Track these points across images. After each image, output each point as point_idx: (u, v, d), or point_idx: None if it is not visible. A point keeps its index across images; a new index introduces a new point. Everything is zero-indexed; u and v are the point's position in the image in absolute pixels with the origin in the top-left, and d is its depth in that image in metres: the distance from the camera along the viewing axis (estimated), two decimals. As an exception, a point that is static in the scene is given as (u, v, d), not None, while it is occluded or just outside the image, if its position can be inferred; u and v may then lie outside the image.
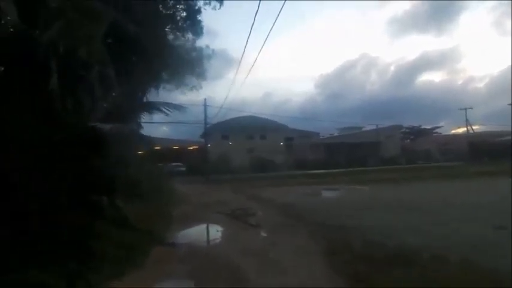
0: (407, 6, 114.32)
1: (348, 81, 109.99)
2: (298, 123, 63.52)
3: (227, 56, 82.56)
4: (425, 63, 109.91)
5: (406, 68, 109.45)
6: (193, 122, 38.58)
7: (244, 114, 55.78)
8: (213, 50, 17.91)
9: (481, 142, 54.62)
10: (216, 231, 9.52)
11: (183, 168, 43.50)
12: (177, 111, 6.89)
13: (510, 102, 55.92)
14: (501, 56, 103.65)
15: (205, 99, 37.52)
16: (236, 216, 11.31)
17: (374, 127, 63.68)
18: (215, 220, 10.95)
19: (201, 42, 17.46)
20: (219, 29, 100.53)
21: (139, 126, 12.53)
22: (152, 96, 14.28)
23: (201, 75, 17.64)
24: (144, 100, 11.89)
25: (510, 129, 60.97)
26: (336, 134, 71.66)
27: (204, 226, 10.51)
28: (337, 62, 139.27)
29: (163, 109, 7.01)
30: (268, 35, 13.67)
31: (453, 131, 77.37)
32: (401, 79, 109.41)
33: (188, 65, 16.37)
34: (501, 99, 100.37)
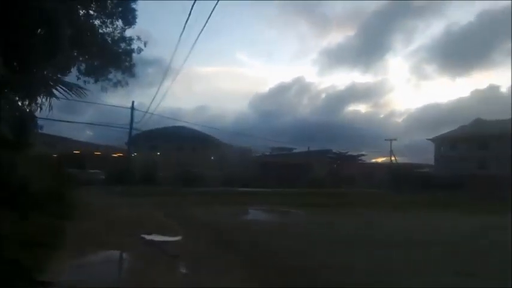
0: (340, 39, 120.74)
1: (282, 103, 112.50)
2: (231, 139, 62.12)
3: (164, 65, 79.24)
4: (353, 94, 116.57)
5: (335, 96, 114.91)
6: (116, 126, 34.93)
7: (176, 124, 53.20)
8: (145, 43, 15.50)
9: (402, 172, 57.75)
10: (121, 264, 7.24)
11: (103, 177, 39.41)
12: (73, 94, 4.62)
13: (429, 137, 60.65)
14: (417, 96, 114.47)
15: (133, 101, 34.32)
16: (152, 241, 9.08)
17: (304, 149, 64.66)
18: (124, 245, 8.57)
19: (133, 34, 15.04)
20: (158, 37, 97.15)
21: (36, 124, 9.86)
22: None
23: (128, 70, 15.08)
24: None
25: (424, 162, 66.39)
26: (268, 153, 71.74)
27: (106, 255, 8.04)
28: (272, 83, 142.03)
29: (53, 86, 4.65)
30: (195, 43, 12.04)
31: (373, 160, 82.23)
32: (331, 107, 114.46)
33: (113, 55, 13.86)
34: (417, 134, 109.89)
